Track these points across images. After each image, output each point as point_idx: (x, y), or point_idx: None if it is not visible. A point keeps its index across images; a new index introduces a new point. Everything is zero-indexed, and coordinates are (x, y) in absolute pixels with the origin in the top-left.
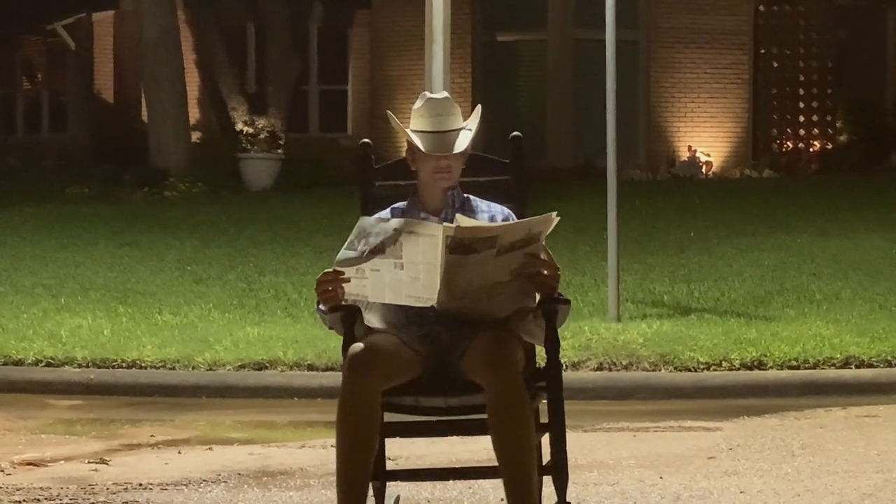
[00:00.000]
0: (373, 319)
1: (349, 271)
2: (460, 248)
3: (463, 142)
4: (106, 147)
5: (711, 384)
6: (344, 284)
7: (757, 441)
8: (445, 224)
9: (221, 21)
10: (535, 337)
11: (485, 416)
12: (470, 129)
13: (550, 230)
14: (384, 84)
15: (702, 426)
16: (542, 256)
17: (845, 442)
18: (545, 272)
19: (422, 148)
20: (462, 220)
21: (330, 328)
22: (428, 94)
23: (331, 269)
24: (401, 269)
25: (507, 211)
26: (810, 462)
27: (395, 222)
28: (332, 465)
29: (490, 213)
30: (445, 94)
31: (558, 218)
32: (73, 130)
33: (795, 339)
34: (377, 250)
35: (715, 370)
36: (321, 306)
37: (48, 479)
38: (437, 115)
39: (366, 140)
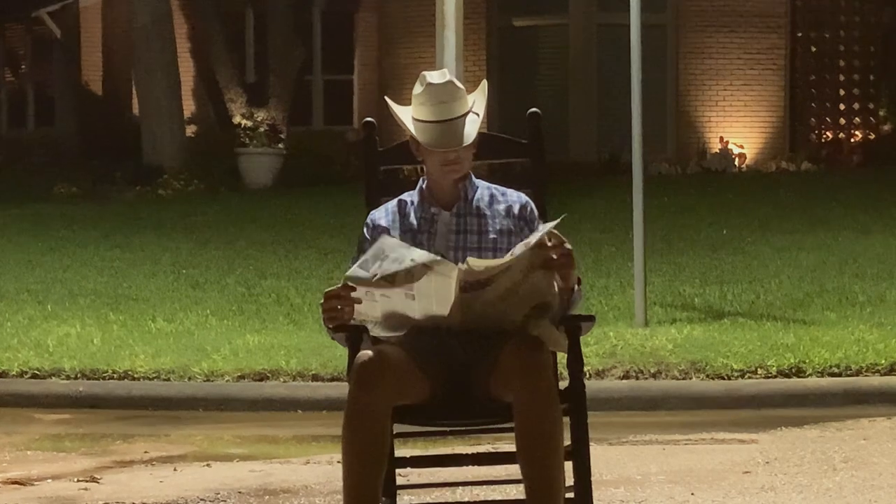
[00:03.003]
0: (381, 330)
1: (360, 291)
2: (476, 285)
3: (471, 132)
4: (95, 142)
5: (746, 393)
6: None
7: (796, 454)
8: (460, 267)
9: (218, 6)
10: (557, 344)
11: (500, 431)
12: (477, 114)
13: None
14: (393, 73)
15: (736, 438)
16: (549, 242)
17: (891, 455)
18: (554, 255)
19: (424, 142)
20: (473, 263)
21: (333, 338)
22: (428, 77)
23: (340, 286)
24: (412, 300)
25: (524, 197)
26: (853, 477)
27: (413, 254)
28: (339, 483)
29: (507, 203)
30: (447, 75)
31: (564, 215)
32: (60, 125)
33: (837, 345)
34: (388, 279)
35: (750, 378)
36: (326, 324)
37: (34, 499)
38: (440, 102)
39: (369, 119)
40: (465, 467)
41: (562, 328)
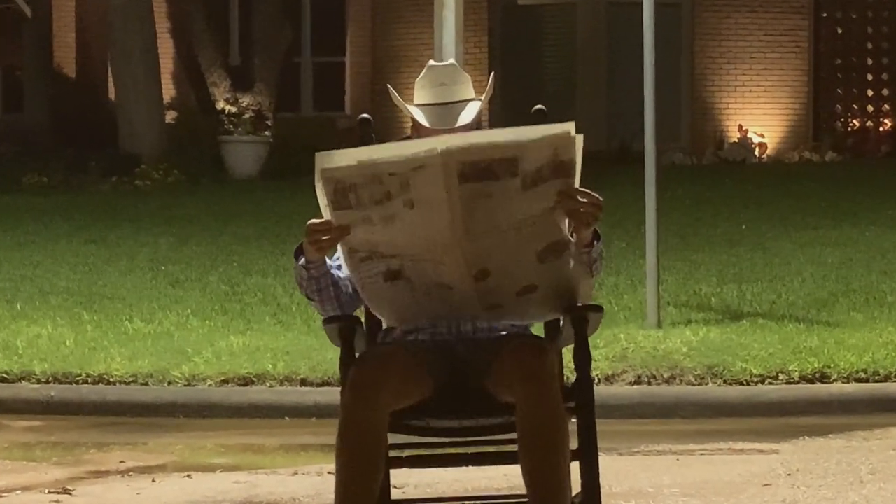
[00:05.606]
0: (383, 311)
1: (352, 218)
2: (475, 173)
3: (469, 114)
4: (68, 130)
5: (766, 400)
6: (347, 238)
7: (819, 465)
8: (441, 141)
9: None
10: (588, 295)
11: (502, 440)
12: (479, 101)
13: (580, 155)
14: (387, 55)
15: (755, 448)
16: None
17: None
18: (583, 202)
19: (423, 123)
20: (452, 142)
21: (309, 298)
22: (432, 63)
23: (326, 219)
24: (411, 209)
25: None
26: (881, 490)
27: (392, 151)
28: (329, 495)
29: None
30: (452, 60)
31: (580, 135)
32: (31, 111)
33: (864, 348)
34: (382, 197)
35: (770, 384)
36: (302, 260)
37: None
38: (440, 84)
39: (365, 115)
40: (466, 482)
41: (567, 320)
